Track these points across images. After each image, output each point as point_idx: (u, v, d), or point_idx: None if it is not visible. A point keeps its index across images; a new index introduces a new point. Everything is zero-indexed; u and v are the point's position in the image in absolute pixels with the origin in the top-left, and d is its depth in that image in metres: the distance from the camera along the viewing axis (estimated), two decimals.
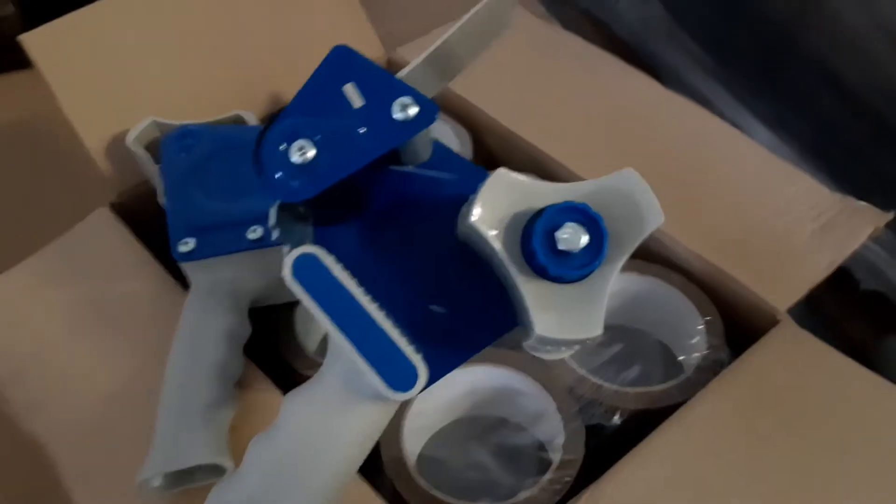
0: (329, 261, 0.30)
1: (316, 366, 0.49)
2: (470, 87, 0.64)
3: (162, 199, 0.51)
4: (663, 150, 0.58)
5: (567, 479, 0.43)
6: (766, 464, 0.42)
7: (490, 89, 0.64)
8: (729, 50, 0.97)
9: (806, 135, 0.85)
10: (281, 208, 0.33)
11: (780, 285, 0.50)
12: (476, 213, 0.30)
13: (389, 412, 0.32)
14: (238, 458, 0.42)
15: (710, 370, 0.47)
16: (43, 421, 0.47)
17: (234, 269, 0.48)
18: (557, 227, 0.29)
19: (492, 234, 0.30)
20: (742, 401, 0.44)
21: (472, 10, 0.35)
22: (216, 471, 0.42)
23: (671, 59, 1.01)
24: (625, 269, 0.51)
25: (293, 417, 0.32)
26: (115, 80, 0.57)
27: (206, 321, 0.46)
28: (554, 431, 0.47)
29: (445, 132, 0.63)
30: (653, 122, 0.60)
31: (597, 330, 0.30)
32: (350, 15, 0.65)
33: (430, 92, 0.33)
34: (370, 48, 0.66)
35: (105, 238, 0.55)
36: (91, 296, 0.52)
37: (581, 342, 0.31)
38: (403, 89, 0.32)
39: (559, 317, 0.30)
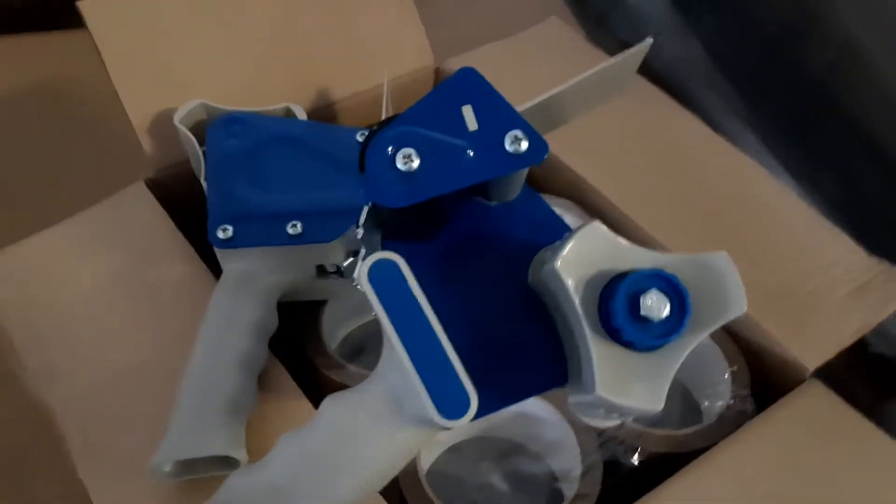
0: (408, 272, 0.30)
1: (337, 366, 0.49)
2: (516, 107, 0.63)
3: (203, 181, 0.51)
4: (706, 193, 0.58)
5: None
6: None
7: None
8: (765, 98, 0.97)
9: (833, 190, 0.85)
10: (371, 212, 0.33)
11: (811, 344, 0.49)
12: (561, 260, 0.30)
13: (430, 436, 0.31)
14: (252, 452, 0.42)
15: (733, 421, 0.47)
16: (56, 391, 0.46)
17: (269, 262, 0.47)
18: (643, 291, 0.29)
19: (572, 285, 0.30)
20: (765, 456, 0.44)
21: (594, 69, 0.35)
22: (230, 463, 0.41)
23: (706, 101, 1.01)
24: None
25: (332, 418, 0.31)
26: (168, 58, 0.57)
27: (235, 310, 0.45)
28: (571, 463, 0.46)
29: None
30: (697, 163, 0.60)
31: (658, 405, 0.29)
32: (406, 19, 0.65)
33: None
34: (422, 55, 0.66)
35: (139, 214, 0.55)
36: (119, 271, 0.52)
37: (636, 413, 0.30)
38: (520, 123, 0.32)
39: (623, 383, 0.29)
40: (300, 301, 0.51)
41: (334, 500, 0.30)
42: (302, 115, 0.55)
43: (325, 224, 0.47)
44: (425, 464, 0.47)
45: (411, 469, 0.45)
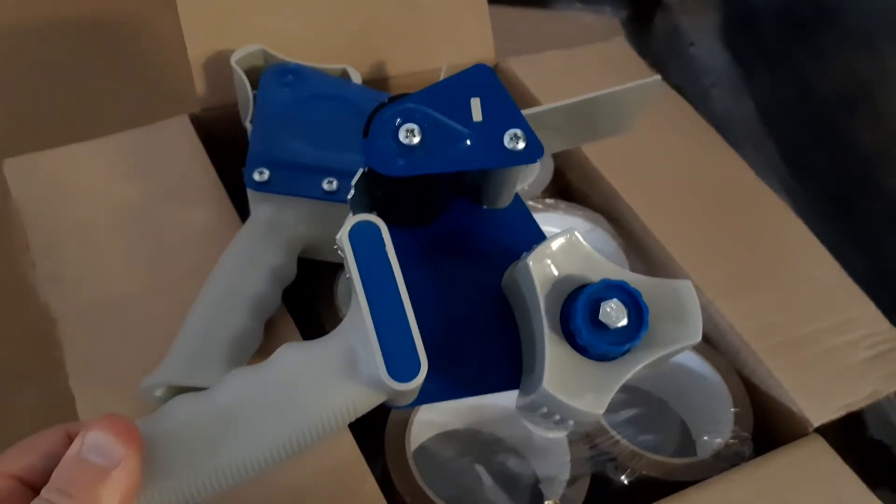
0: (388, 238, 0.31)
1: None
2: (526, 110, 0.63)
3: (247, 124, 0.51)
4: (740, 234, 0.57)
5: None
6: None
7: None
8: (807, 165, 0.96)
9: (862, 265, 0.84)
10: (365, 177, 0.34)
11: (819, 399, 0.49)
12: (534, 257, 0.31)
13: (375, 401, 0.31)
14: None
15: (729, 460, 0.46)
16: (62, 296, 0.46)
17: (298, 213, 0.47)
18: (604, 299, 0.30)
19: (539, 281, 0.31)
20: (755, 498, 0.43)
21: (617, 87, 0.37)
22: None
23: (749, 159, 1.01)
24: None
25: (287, 361, 0.31)
26: (236, 1, 0.57)
27: (256, 251, 0.45)
28: (558, 470, 0.46)
29: None
30: (737, 203, 0.60)
31: (598, 410, 0.30)
32: (475, 10, 0.65)
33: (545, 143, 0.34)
34: (484, 48, 0.66)
35: (177, 144, 0.55)
36: (146, 195, 0.52)
37: (575, 416, 0.31)
38: (521, 122, 0.33)
39: (569, 383, 0.30)
40: (320, 261, 0.51)
41: (273, 439, 0.30)
42: (357, 78, 0.55)
43: None
44: (414, 443, 0.46)
45: (399, 445, 0.44)
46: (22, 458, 0.28)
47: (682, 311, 0.32)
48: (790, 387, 0.49)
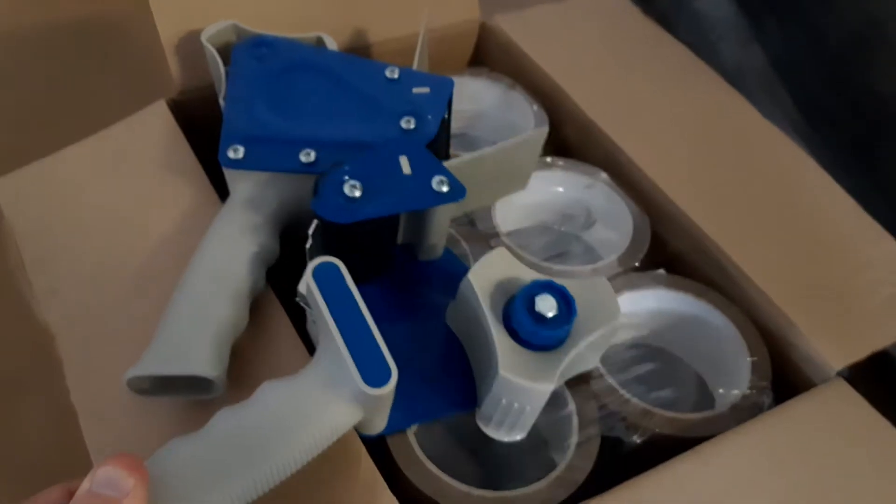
0: (346, 274, 0.36)
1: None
2: (561, 72, 0.61)
3: (222, 101, 0.49)
4: (748, 177, 0.55)
5: (571, 484, 0.40)
6: None
7: (582, 77, 0.61)
8: (824, 111, 0.93)
9: (885, 210, 0.81)
10: (320, 230, 0.40)
11: (841, 343, 0.46)
12: (472, 273, 0.39)
13: (356, 416, 0.35)
14: (235, 382, 0.40)
15: (747, 411, 0.44)
16: (56, 312, 0.45)
17: (277, 188, 0.45)
18: (537, 294, 0.38)
19: (481, 291, 0.39)
20: (776, 450, 0.41)
21: (492, 148, 0.44)
22: (209, 387, 0.39)
23: (763, 110, 0.98)
24: (681, 289, 0.49)
25: (268, 397, 0.34)
26: None
27: (235, 232, 0.43)
28: (566, 433, 0.43)
29: (525, 111, 0.60)
30: (743, 146, 0.57)
31: (547, 387, 0.37)
32: None
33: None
34: (468, 7, 0.64)
35: (157, 134, 0.53)
36: (130, 192, 0.50)
37: (529, 395, 0.37)
38: (444, 170, 0.41)
39: (518, 368, 0.37)
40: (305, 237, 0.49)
41: (264, 470, 0.33)
42: (333, 45, 0.53)
43: (339, 155, 0.44)
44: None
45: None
46: None
47: (600, 301, 0.39)
48: (809, 332, 0.46)
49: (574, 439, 0.42)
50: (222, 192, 0.48)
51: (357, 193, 0.40)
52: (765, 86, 0.99)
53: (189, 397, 0.40)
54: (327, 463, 0.38)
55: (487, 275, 0.39)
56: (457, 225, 0.51)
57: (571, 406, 0.43)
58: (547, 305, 0.37)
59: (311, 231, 0.40)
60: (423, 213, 0.43)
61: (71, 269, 0.47)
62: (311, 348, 0.43)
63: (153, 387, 0.40)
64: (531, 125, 0.59)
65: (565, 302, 0.38)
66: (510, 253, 0.41)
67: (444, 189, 0.41)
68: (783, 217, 0.52)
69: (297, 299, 0.37)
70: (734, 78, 1.03)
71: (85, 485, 0.29)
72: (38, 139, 0.55)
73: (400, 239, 0.45)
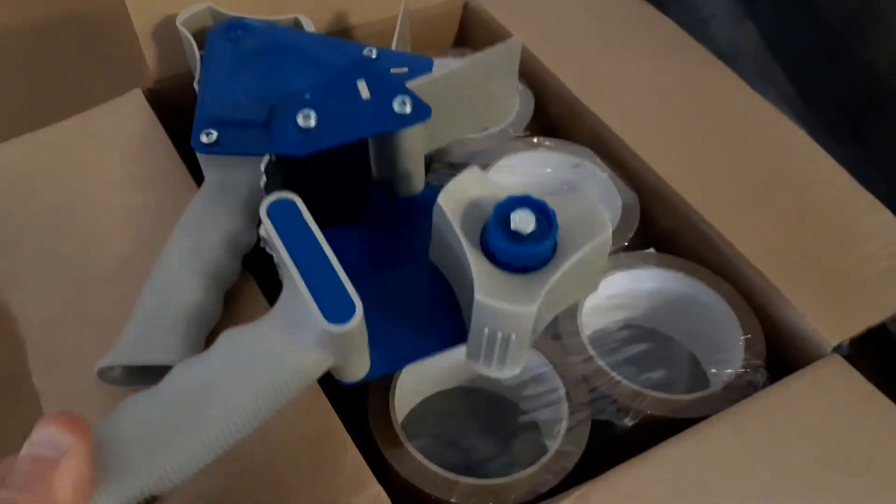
0: (303, 207, 0.33)
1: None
2: (546, 51, 0.60)
3: (197, 86, 0.48)
4: (739, 152, 0.53)
5: (561, 469, 0.39)
6: (786, 500, 0.37)
7: (568, 56, 0.60)
8: (819, 89, 0.92)
9: (881, 187, 0.80)
10: (275, 163, 0.38)
11: (836, 318, 0.45)
12: (443, 195, 0.35)
13: (323, 360, 0.32)
14: None
15: (741, 390, 0.43)
16: (19, 296, 0.44)
17: (252, 173, 0.44)
18: (512, 210, 0.33)
19: (452, 213, 0.34)
20: (771, 429, 0.40)
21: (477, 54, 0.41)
22: None
23: (757, 88, 0.96)
24: (672, 268, 0.48)
25: (227, 345, 0.32)
26: None
27: (210, 219, 0.42)
28: (556, 418, 0.42)
29: None
30: (733, 120, 0.56)
31: (529, 310, 0.33)
32: None
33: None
34: None
35: (131, 121, 0.52)
36: (101, 178, 0.49)
37: (511, 320, 0.33)
38: (406, 90, 0.38)
39: (498, 291, 0.33)
40: None
41: (225, 423, 0.30)
42: (310, 27, 0.52)
43: None
44: (401, 413, 0.43)
45: (385, 416, 0.41)
46: None
47: (585, 215, 0.35)
48: (803, 307, 0.45)
49: (564, 424, 0.41)
50: (200, 180, 0.47)
51: (312, 123, 0.37)
52: (758, 63, 0.98)
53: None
54: (313, 452, 0.38)
55: (459, 197, 0.35)
56: None
57: (561, 390, 0.42)
58: (524, 221, 0.33)
59: (263, 167, 0.38)
60: (392, 140, 0.40)
61: (35, 253, 0.46)
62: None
63: (124, 376, 0.39)
64: (517, 105, 0.58)
65: (544, 216, 0.34)
66: (482, 172, 0.36)
67: (407, 110, 0.38)
68: (775, 191, 0.51)
69: (262, 244, 0.35)
70: (727, 56, 1.02)
71: (25, 448, 0.27)
72: (19, 132, 0.54)
73: (376, 174, 0.43)
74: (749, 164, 0.53)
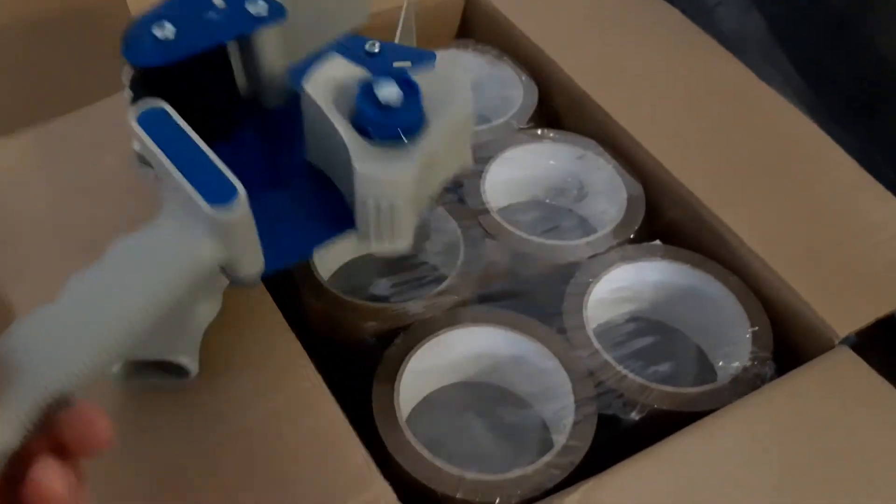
0: (173, 112, 0.33)
1: (328, 294, 0.45)
2: (550, 41, 0.59)
3: None
4: (745, 142, 0.53)
5: (568, 464, 0.39)
6: (795, 494, 0.37)
7: (572, 46, 0.59)
8: (825, 75, 0.91)
9: (889, 173, 0.79)
10: (140, 81, 0.37)
11: (845, 309, 0.44)
12: (309, 82, 0.36)
13: (214, 249, 0.33)
14: (209, 361, 0.39)
15: (749, 383, 0.42)
16: (19, 294, 0.44)
17: None
18: (378, 85, 0.35)
19: (323, 99, 0.36)
20: (780, 422, 0.40)
21: None
22: (180, 372, 0.38)
23: (763, 76, 0.96)
24: (679, 260, 0.47)
25: (118, 250, 0.32)
26: None
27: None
28: (563, 413, 0.42)
29: (514, 81, 0.58)
30: (740, 111, 0.55)
31: (405, 176, 0.35)
32: None
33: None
34: None
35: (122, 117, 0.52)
36: (102, 171, 0.49)
37: (392, 190, 0.35)
38: None
39: (375, 161, 0.35)
40: None
41: (127, 321, 0.30)
42: None
43: None
44: (406, 408, 0.43)
45: (391, 414, 0.41)
46: None
47: (451, 88, 0.37)
48: (811, 298, 0.45)
49: (570, 419, 0.41)
50: None
51: (169, 35, 0.36)
52: (764, 51, 0.97)
53: (158, 381, 0.39)
54: (318, 449, 0.38)
55: (324, 82, 0.36)
56: (445, 201, 0.50)
57: (567, 385, 0.42)
58: (389, 93, 0.35)
59: (126, 81, 0.37)
60: (253, 49, 0.40)
61: (39, 248, 0.46)
62: (295, 327, 0.42)
63: (125, 372, 0.38)
64: (521, 96, 0.57)
65: (408, 87, 0.35)
66: (342, 57, 0.38)
67: (263, 12, 0.38)
68: (782, 181, 0.51)
69: (137, 162, 0.36)
70: (734, 44, 1.01)
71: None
72: (19, 126, 0.54)
73: (242, 89, 0.42)
74: (756, 155, 0.52)
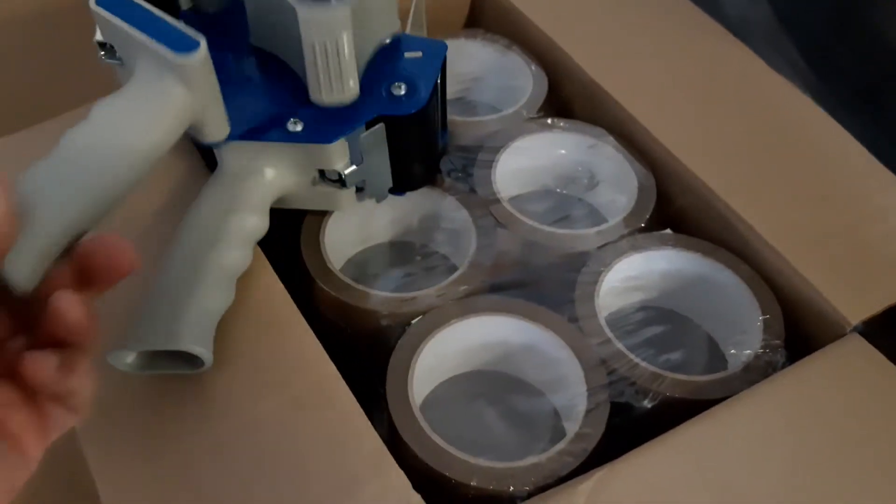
0: None
1: (331, 277, 0.46)
2: (559, 30, 0.59)
3: None
4: (755, 129, 0.53)
5: (581, 452, 0.39)
6: (807, 482, 0.37)
7: (581, 35, 0.59)
8: (831, 61, 0.91)
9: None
10: None
11: (856, 296, 0.44)
12: None
13: (187, 100, 0.37)
14: (223, 352, 0.40)
15: (760, 371, 0.43)
16: None
17: (265, 159, 0.44)
18: None
19: None
20: (791, 409, 0.40)
21: None
22: (194, 361, 0.39)
23: (770, 62, 0.95)
24: (689, 248, 0.47)
25: (101, 107, 0.36)
26: None
27: (223, 206, 0.42)
28: (575, 400, 0.42)
29: (524, 71, 0.58)
30: (749, 98, 0.55)
31: (344, 10, 0.39)
32: None
33: None
34: None
35: None
36: None
37: (331, 26, 0.40)
38: None
39: (314, 4, 0.39)
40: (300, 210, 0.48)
41: (119, 168, 0.34)
42: None
43: (327, 124, 0.43)
44: (419, 397, 0.43)
45: (404, 401, 0.41)
46: None
47: None
48: (822, 286, 0.45)
49: (583, 407, 0.41)
50: (210, 163, 0.47)
51: None
52: (770, 37, 0.97)
53: (171, 372, 0.40)
54: (332, 437, 0.38)
55: None
56: (456, 191, 0.50)
57: (580, 373, 0.42)
58: None
59: None
60: None
61: None
62: (308, 316, 0.42)
63: (138, 363, 0.39)
64: (530, 86, 0.57)
65: None
66: None
67: None
68: (791, 168, 0.51)
69: (103, 55, 0.40)
70: (739, 30, 1.01)
71: None
72: (27, 122, 0.54)
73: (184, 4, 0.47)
74: (765, 142, 0.52)
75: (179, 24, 0.36)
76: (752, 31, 0.96)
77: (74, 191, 0.32)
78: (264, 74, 0.46)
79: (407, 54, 0.45)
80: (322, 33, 0.40)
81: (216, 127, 0.41)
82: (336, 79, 0.42)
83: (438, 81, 0.45)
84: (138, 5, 0.37)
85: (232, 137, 0.43)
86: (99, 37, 0.39)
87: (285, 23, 0.41)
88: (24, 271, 0.28)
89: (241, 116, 0.42)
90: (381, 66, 0.45)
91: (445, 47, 0.46)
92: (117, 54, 0.40)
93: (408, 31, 0.49)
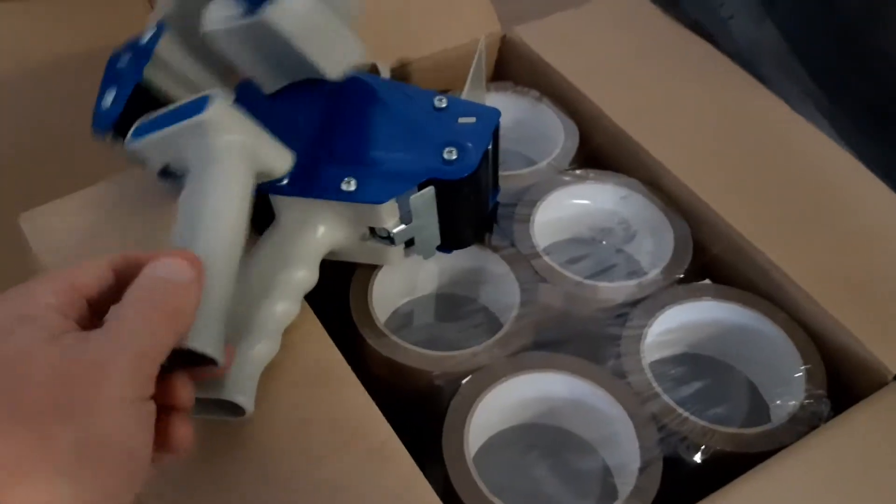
0: (144, 117, 0.43)
1: (381, 337, 0.47)
2: (586, 80, 0.60)
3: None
4: (782, 175, 0.54)
5: None
6: None
7: (607, 83, 0.60)
8: (842, 84, 0.92)
9: None
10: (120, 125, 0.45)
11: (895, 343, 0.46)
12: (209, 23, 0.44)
13: (235, 146, 0.41)
14: (266, 403, 0.40)
15: (806, 422, 0.44)
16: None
17: (318, 215, 0.45)
18: None
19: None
20: (841, 462, 0.41)
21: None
22: (235, 409, 0.39)
23: (780, 87, 0.96)
24: (728, 299, 0.48)
25: (187, 198, 0.39)
26: None
27: (274, 259, 0.44)
28: (628, 457, 0.43)
29: (555, 123, 0.60)
30: (774, 142, 0.57)
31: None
32: None
33: None
34: (487, 21, 0.63)
35: None
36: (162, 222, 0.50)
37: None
38: None
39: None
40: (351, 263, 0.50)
41: (216, 232, 0.38)
42: (387, 73, 0.52)
43: (380, 185, 0.44)
44: (473, 448, 0.44)
45: (458, 453, 0.42)
46: (92, 272, 0.32)
47: None
48: (861, 334, 0.46)
49: (637, 464, 0.42)
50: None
51: (107, 103, 0.46)
52: (781, 63, 0.98)
53: (216, 417, 0.40)
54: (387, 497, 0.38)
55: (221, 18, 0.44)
56: (499, 247, 0.51)
57: (631, 430, 0.43)
58: None
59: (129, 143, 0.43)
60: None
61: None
62: (357, 371, 0.43)
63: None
64: (562, 137, 0.58)
65: None
66: None
67: None
68: (823, 214, 0.52)
69: (159, 179, 0.44)
70: (748, 55, 1.02)
71: (150, 271, 0.32)
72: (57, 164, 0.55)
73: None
74: (795, 187, 0.54)
75: (189, 97, 0.41)
76: (762, 56, 0.97)
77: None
78: (323, 134, 0.47)
79: (461, 119, 0.46)
80: (306, 18, 0.43)
81: (278, 159, 0.44)
82: (340, 50, 0.45)
83: (490, 147, 0.46)
84: (156, 115, 0.42)
85: (289, 193, 0.44)
86: (155, 169, 0.43)
87: (274, 46, 0.44)
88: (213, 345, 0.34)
89: (298, 173, 0.44)
90: (435, 129, 0.46)
91: (499, 114, 0.46)
92: (171, 167, 0.43)
93: (466, 89, 0.49)
